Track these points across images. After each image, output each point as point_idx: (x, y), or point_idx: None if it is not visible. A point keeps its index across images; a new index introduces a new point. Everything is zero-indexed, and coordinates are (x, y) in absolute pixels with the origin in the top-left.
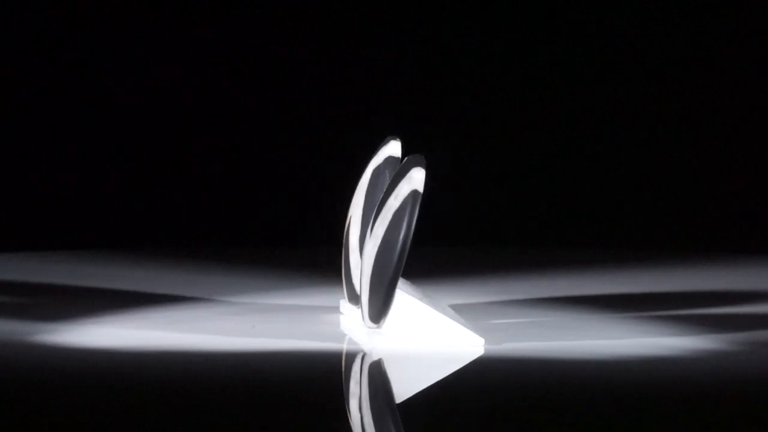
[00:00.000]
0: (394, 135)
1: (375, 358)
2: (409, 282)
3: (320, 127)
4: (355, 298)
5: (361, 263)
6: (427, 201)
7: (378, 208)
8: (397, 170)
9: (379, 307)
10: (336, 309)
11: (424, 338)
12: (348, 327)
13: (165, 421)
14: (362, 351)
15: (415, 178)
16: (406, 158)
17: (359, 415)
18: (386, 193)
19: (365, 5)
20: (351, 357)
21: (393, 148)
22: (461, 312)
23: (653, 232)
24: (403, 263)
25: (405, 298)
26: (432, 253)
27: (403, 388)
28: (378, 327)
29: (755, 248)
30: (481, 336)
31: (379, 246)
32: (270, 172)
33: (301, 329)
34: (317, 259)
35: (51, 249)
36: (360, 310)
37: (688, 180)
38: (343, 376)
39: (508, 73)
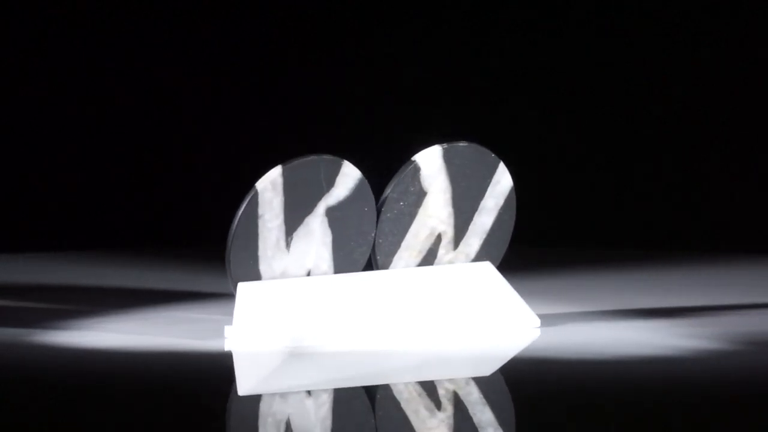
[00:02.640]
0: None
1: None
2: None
3: (317, 127)
4: None
5: None
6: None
7: None
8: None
9: None
10: None
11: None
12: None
13: (163, 420)
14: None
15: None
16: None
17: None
18: None
19: (363, 5)
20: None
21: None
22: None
23: (653, 232)
24: (229, 258)
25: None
26: None
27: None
28: None
29: (755, 248)
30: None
31: None
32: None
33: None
34: None
35: (50, 250)
36: None
37: (689, 180)
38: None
39: (507, 71)
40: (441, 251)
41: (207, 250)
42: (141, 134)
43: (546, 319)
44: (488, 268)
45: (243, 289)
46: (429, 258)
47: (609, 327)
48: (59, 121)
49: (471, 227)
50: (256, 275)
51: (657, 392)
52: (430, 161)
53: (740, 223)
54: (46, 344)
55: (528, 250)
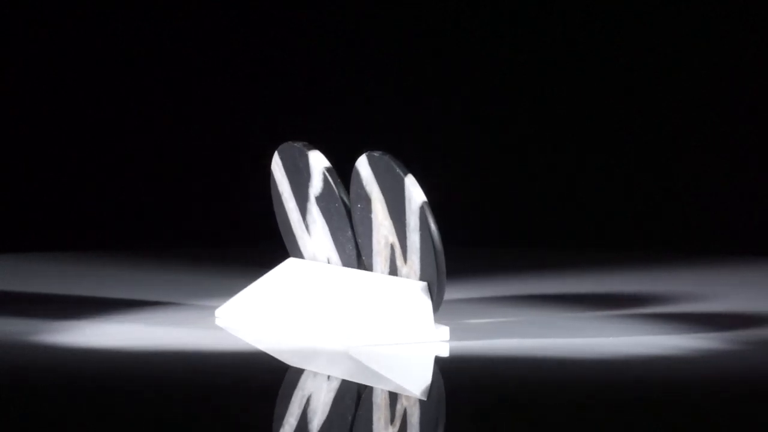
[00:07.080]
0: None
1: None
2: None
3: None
4: None
5: None
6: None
7: None
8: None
9: None
10: None
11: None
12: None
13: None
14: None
15: None
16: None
17: None
18: None
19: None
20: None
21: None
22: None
23: (652, 232)
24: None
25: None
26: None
27: None
28: None
29: (756, 248)
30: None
31: None
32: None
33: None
34: None
35: (50, 250)
36: None
37: (688, 180)
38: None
39: (505, 68)
40: (398, 263)
41: (206, 251)
42: (137, 136)
43: (545, 319)
44: (414, 287)
45: (287, 264)
46: (392, 268)
47: (609, 327)
48: (57, 123)
49: (408, 243)
50: (299, 253)
51: (657, 392)
52: (362, 168)
53: (741, 223)
54: (45, 344)
55: (528, 251)
